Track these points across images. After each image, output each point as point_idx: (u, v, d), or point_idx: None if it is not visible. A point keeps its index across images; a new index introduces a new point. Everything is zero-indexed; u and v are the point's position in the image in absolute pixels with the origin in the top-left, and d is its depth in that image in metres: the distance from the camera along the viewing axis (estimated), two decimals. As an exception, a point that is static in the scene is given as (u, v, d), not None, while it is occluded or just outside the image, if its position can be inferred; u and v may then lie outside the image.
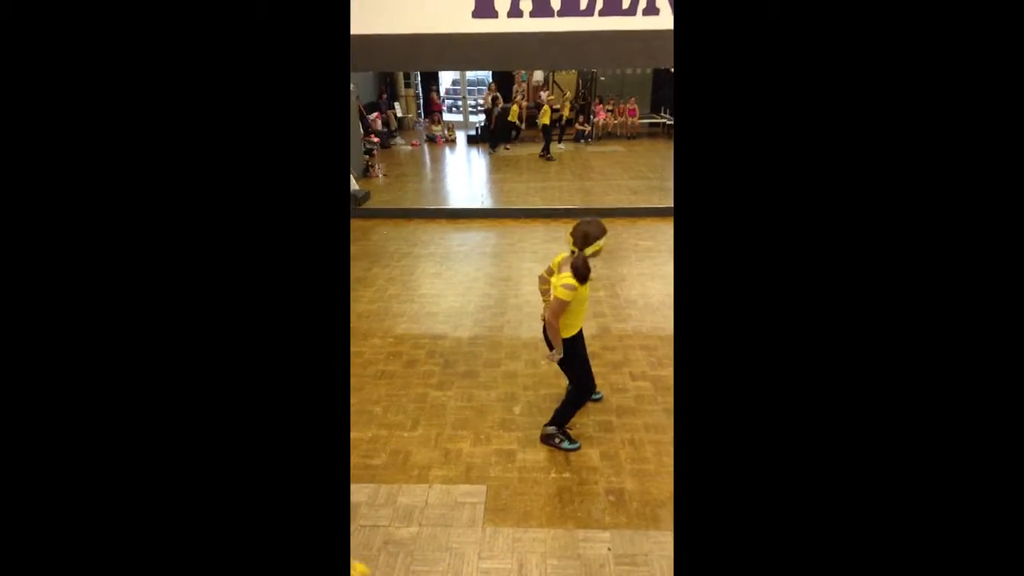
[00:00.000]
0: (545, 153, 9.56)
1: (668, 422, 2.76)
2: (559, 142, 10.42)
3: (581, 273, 2.13)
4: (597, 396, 2.93)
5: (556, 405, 2.89)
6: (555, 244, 5.35)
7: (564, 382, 3.08)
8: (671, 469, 2.45)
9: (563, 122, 10.44)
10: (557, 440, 2.60)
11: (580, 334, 2.41)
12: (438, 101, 12.53)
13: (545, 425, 2.65)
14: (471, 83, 13.55)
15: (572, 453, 2.55)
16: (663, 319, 3.86)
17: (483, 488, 2.36)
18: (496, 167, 9.07)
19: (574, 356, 2.41)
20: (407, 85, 12.89)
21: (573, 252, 2.19)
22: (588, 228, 2.16)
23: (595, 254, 2.20)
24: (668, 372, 3.19)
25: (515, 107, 10.54)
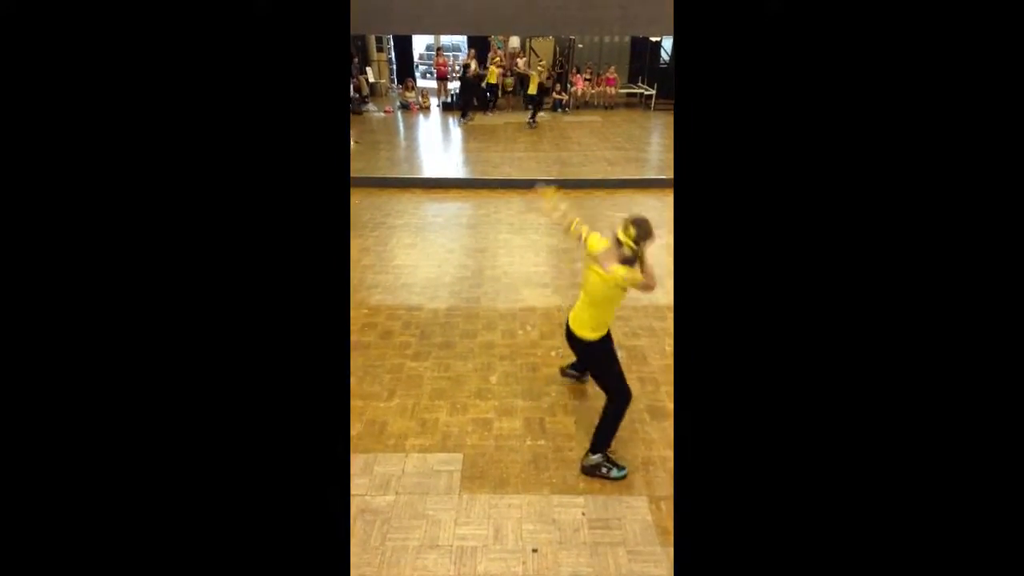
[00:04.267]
0: (532, 122, 9.51)
1: (641, 391, 2.81)
2: (540, 110, 10.28)
3: (628, 259, 1.98)
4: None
5: (533, 374, 2.92)
6: (532, 215, 5.31)
7: (540, 351, 3.10)
8: (644, 436, 2.51)
9: (527, 89, 10.29)
10: (604, 470, 2.25)
11: (610, 334, 2.24)
12: (442, 66, 11.87)
13: (587, 454, 2.29)
14: (446, 49, 13.16)
15: (548, 420, 2.58)
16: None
17: (459, 456, 2.38)
18: (472, 136, 8.90)
19: (607, 358, 2.22)
20: (379, 50, 12.46)
21: (620, 243, 1.97)
22: (649, 227, 1.99)
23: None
24: (641, 342, 3.24)
25: (492, 68, 10.31)
